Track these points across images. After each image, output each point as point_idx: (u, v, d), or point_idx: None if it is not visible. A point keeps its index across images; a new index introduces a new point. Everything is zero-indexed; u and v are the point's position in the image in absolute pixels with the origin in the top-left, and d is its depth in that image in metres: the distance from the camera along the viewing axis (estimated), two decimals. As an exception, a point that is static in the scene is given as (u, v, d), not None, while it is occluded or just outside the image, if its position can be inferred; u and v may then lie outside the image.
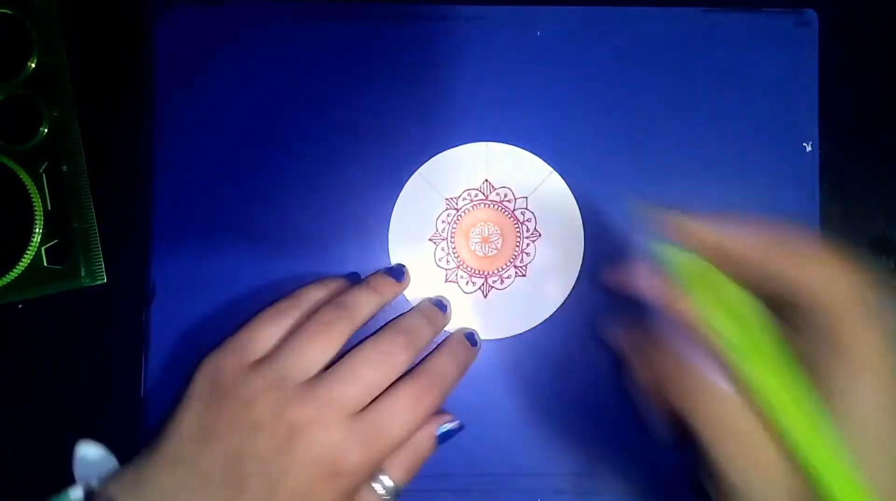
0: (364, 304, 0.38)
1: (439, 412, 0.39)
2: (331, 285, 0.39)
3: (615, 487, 0.41)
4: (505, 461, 0.41)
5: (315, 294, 0.39)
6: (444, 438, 0.39)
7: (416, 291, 0.41)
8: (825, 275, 0.27)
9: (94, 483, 0.35)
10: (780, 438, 0.26)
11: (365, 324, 0.38)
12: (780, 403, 0.26)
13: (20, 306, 0.42)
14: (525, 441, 0.41)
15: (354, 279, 0.41)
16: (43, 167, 0.41)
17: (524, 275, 0.42)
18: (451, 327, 0.41)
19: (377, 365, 0.36)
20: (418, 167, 0.42)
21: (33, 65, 0.41)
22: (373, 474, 0.36)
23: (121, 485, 0.34)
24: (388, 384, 0.36)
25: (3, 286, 0.41)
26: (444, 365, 0.38)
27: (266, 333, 0.37)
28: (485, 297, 0.42)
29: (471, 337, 0.40)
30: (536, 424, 0.41)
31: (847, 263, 0.27)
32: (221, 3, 0.42)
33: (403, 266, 0.41)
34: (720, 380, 0.27)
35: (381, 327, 0.39)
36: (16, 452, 0.41)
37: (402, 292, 0.41)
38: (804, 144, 0.42)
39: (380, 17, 0.42)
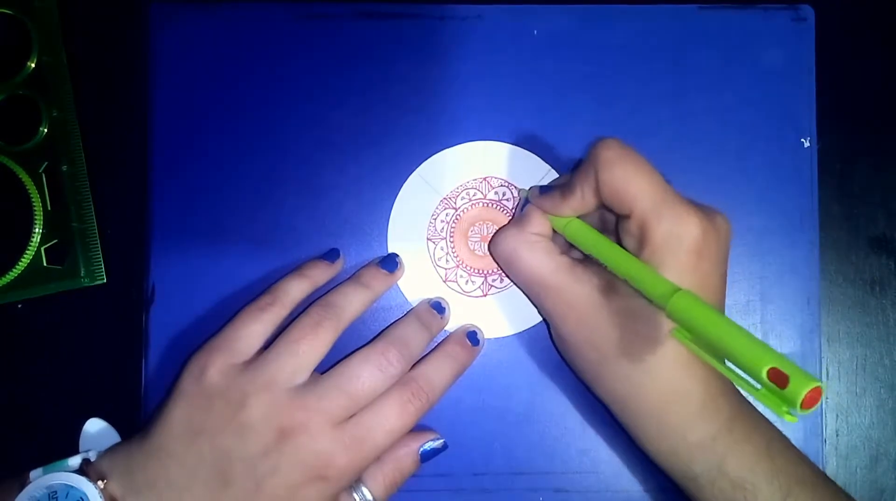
0: (352, 301, 0.38)
1: (425, 430, 0.40)
2: (310, 273, 0.40)
3: (615, 486, 0.41)
4: (505, 460, 0.41)
5: (295, 286, 0.39)
6: (427, 456, 0.39)
7: (415, 291, 0.41)
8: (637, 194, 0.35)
9: (92, 456, 0.36)
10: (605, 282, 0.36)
11: (361, 318, 0.39)
12: (609, 250, 0.35)
13: (20, 306, 0.42)
14: (525, 441, 0.41)
15: (333, 258, 0.41)
16: (43, 167, 0.42)
17: (523, 274, 0.42)
18: (451, 326, 0.41)
19: (367, 379, 0.36)
20: (417, 167, 0.42)
21: (33, 65, 0.42)
22: (354, 485, 0.37)
23: (113, 465, 0.36)
24: (378, 394, 0.37)
25: (3, 286, 0.41)
26: (436, 370, 0.38)
27: (251, 331, 0.37)
28: (484, 296, 0.42)
29: (472, 336, 0.40)
30: (536, 423, 0.41)
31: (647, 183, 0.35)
32: (219, 3, 0.42)
33: (397, 256, 0.41)
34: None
35: (376, 336, 0.39)
36: (15, 452, 0.41)
37: (395, 282, 0.41)
38: (802, 139, 0.42)
39: (377, 17, 0.42)
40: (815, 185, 0.42)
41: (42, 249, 0.41)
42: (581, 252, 0.38)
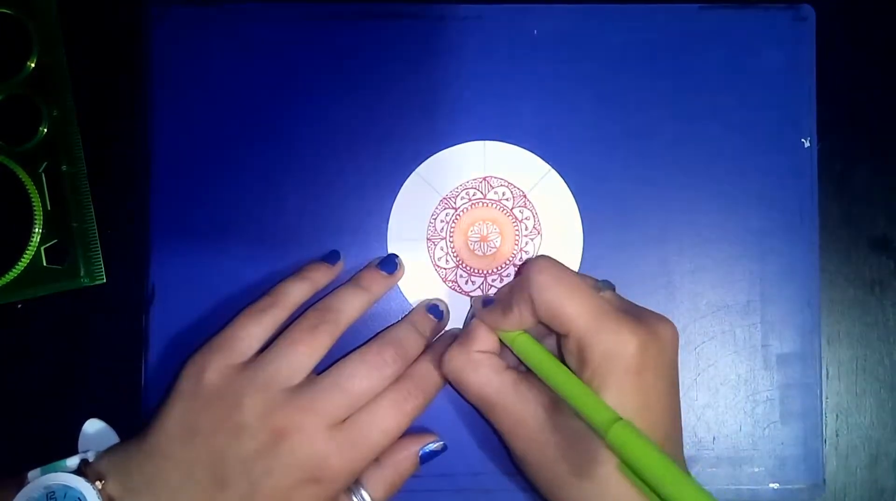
0: (351, 304, 0.38)
1: (425, 431, 0.40)
2: (310, 275, 0.39)
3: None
4: (505, 460, 0.41)
5: (295, 289, 0.39)
6: (426, 458, 0.39)
7: (414, 291, 0.41)
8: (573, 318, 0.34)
9: (90, 456, 0.36)
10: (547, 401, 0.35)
11: (362, 318, 0.39)
12: (552, 371, 0.35)
13: (20, 306, 0.42)
14: (525, 441, 0.41)
15: (334, 260, 0.41)
16: (43, 167, 0.42)
17: (523, 274, 0.42)
18: (451, 326, 0.41)
19: (363, 379, 0.36)
20: (416, 167, 0.42)
21: (33, 65, 0.42)
22: (353, 487, 0.37)
23: (111, 465, 0.36)
24: (374, 395, 0.37)
25: (3, 286, 0.41)
26: (430, 369, 0.38)
27: (250, 333, 0.37)
28: (484, 296, 0.42)
29: None
30: (536, 423, 0.41)
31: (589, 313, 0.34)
32: (220, 3, 0.42)
33: (396, 256, 0.41)
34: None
35: (372, 337, 0.39)
36: (14, 453, 0.41)
37: (395, 284, 0.41)
38: (802, 139, 0.42)
39: (377, 17, 0.42)
40: (815, 185, 0.42)
41: (42, 249, 0.41)
42: None
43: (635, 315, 0.35)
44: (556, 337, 0.37)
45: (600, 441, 0.33)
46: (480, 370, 0.37)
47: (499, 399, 0.36)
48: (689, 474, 0.30)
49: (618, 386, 0.33)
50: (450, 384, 0.38)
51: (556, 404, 0.35)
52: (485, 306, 0.38)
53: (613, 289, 0.38)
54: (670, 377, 0.35)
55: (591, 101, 0.42)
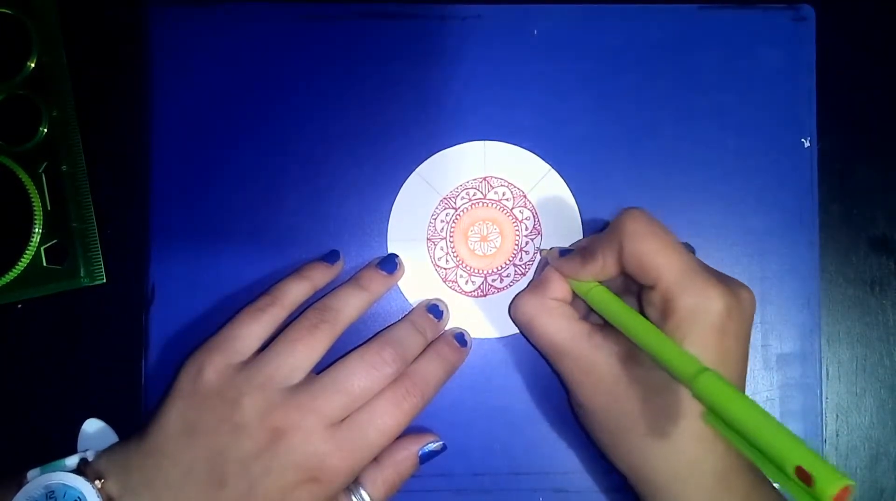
0: (350, 304, 0.38)
1: (424, 431, 0.40)
2: (310, 275, 0.40)
3: (615, 485, 0.41)
4: (505, 460, 0.41)
5: (294, 288, 0.39)
6: (426, 458, 0.39)
7: (414, 291, 0.41)
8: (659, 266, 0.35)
9: (90, 455, 0.36)
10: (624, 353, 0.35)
11: (362, 318, 0.39)
12: (631, 321, 0.34)
13: (20, 306, 0.42)
14: (525, 441, 0.41)
15: (333, 259, 0.41)
16: (42, 167, 0.42)
17: (524, 274, 0.42)
18: (451, 326, 0.41)
19: (362, 378, 0.36)
20: (416, 167, 0.42)
21: (33, 65, 0.42)
22: (352, 487, 0.37)
23: (110, 464, 0.36)
24: (373, 394, 0.37)
25: (3, 286, 0.41)
26: (428, 369, 0.38)
27: (249, 332, 0.37)
28: (484, 296, 0.42)
29: (460, 338, 0.40)
30: (536, 423, 0.41)
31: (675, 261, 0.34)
32: (219, 3, 0.42)
33: (396, 256, 0.41)
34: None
35: (372, 337, 0.39)
36: (14, 453, 0.41)
37: (395, 284, 0.41)
38: (802, 139, 0.42)
39: (377, 17, 0.42)
40: (815, 185, 0.42)
41: (42, 249, 0.41)
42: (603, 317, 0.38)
43: (720, 278, 0.35)
44: (633, 294, 0.37)
45: (681, 392, 0.33)
46: (554, 317, 0.37)
47: (571, 348, 0.36)
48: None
49: (700, 341, 0.33)
50: (519, 329, 0.40)
51: (632, 355, 0.35)
52: (561, 255, 0.38)
53: (694, 253, 0.38)
54: (746, 343, 0.35)
55: (591, 101, 0.42)
